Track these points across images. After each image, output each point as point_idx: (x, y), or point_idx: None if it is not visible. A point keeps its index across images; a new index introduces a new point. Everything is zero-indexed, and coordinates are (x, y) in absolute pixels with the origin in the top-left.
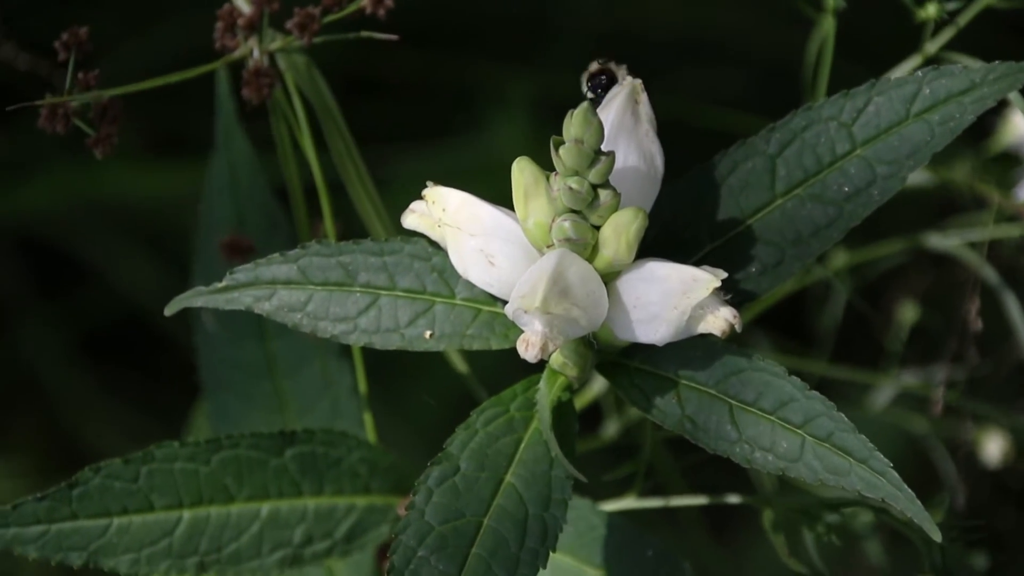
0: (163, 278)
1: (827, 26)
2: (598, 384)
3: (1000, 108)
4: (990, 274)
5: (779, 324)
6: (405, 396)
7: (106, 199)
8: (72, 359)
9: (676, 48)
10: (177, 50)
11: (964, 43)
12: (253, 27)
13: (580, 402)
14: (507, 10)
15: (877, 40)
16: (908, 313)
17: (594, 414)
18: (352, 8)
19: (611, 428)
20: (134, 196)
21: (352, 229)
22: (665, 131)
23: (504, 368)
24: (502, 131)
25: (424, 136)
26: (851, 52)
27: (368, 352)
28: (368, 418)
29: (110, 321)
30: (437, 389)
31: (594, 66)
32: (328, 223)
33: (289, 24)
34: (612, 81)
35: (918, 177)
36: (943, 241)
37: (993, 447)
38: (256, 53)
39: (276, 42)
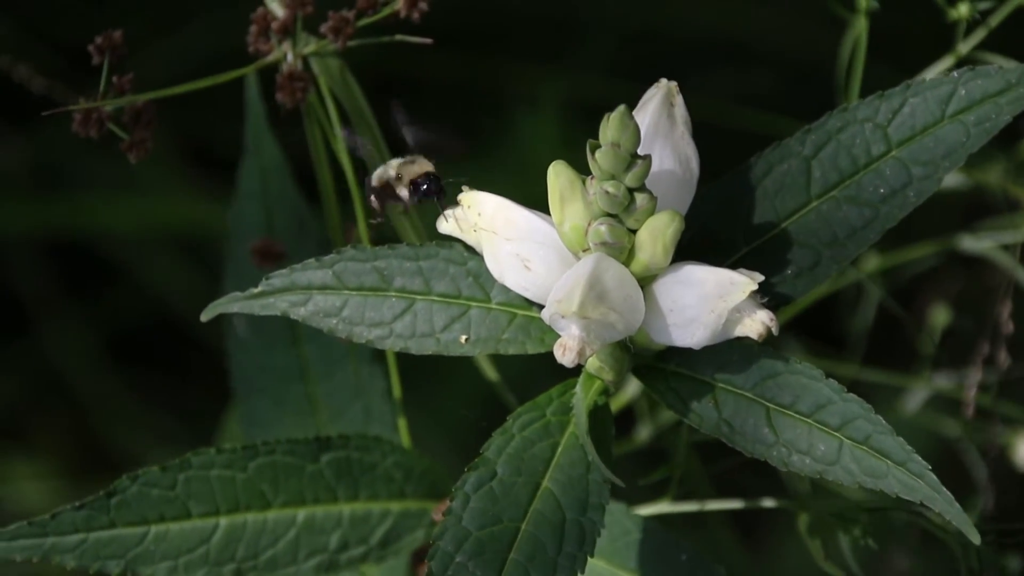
0: (191, 281)
1: (860, 27)
2: (631, 387)
3: None
4: (1023, 277)
5: (811, 327)
6: (433, 399)
7: (137, 203)
8: (100, 361)
9: (705, 48)
10: (204, 53)
11: (996, 43)
12: (287, 31)
13: (614, 406)
14: (535, 11)
15: (909, 40)
16: (940, 316)
17: (627, 418)
18: (387, 12)
19: (644, 432)
20: (164, 200)
21: (383, 234)
22: (695, 132)
23: (533, 372)
24: (532, 132)
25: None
26: (882, 52)
27: (405, 360)
28: (402, 423)
29: (138, 323)
30: (465, 392)
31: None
32: (362, 227)
33: (323, 28)
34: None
35: (951, 179)
36: (976, 244)
37: None
38: (290, 57)
39: (310, 46)
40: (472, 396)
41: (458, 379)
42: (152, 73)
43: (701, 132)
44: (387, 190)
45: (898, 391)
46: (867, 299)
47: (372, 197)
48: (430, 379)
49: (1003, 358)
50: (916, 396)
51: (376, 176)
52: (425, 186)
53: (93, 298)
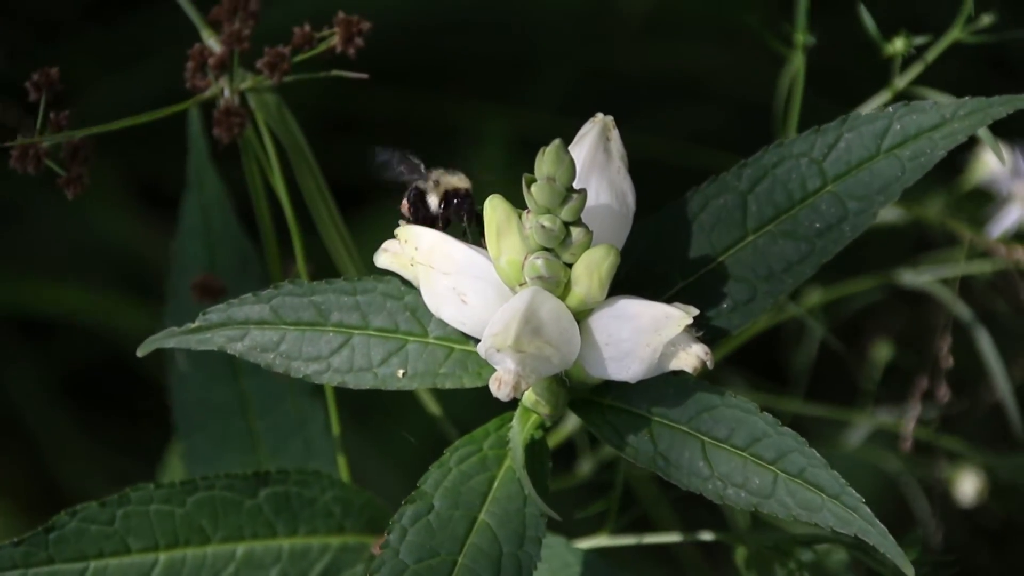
0: (144, 320)
1: (798, 62)
2: (572, 422)
3: (971, 145)
4: (963, 311)
5: (753, 362)
6: (385, 436)
7: (87, 241)
8: (52, 400)
9: (656, 86)
10: (153, 92)
11: (933, 78)
12: (224, 66)
13: (554, 440)
14: (488, 49)
15: (851, 77)
16: (882, 351)
17: (568, 452)
18: (322, 48)
19: (585, 466)
20: (115, 239)
21: (324, 269)
22: (644, 169)
23: (483, 406)
24: (480, 169)
25: None
26: (825, 89)
27: (348, 392)
28: (341, 458)
29: (90, 362)
30: (418, 428)
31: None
32: (300, 263)
33: (259, 63)
34: (470, 205)
35: (891, 214)
36: (916, 278)
37: (967, 486)
38: (227, 92)
39: (247, 81)
40: (425, 432)
41: (411, 415)
42: (101, 111)
43: (649, 169)
44: (420, 199)
45: (840, 426)
46: (809, 334)
47: (405, 202)
48: (382, 415)
49: (943, 393)
50: (859, 431)
51: (415, 181)
52: (456, 200)
53: (46, 338)
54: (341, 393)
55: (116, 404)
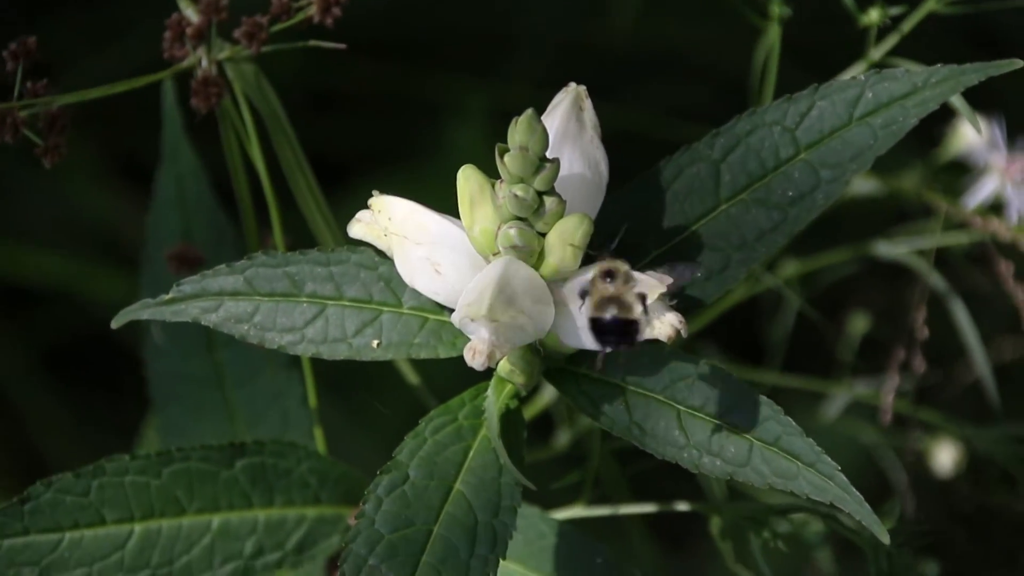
0: (125, 295)
1: (773, 34)
2: (549, 393)
3: (948, 117)
4: (939, 283)
5: (730, 336)
6: (365, 410)
7: (66, 217)
8: (36, 377)
9: (639, 62)
10: (137, 67)
11: (909, 51)
12: (201, 36)
13: (531, 412)
14: (469, 23)
15: (829, 50)
16: (859, 323)
17: (546, 424)
18: (299, 17)
19: (563, 438)
20: (94, 214)
21: (303, 241)
22: (625, 142)
23: (462, 379)
24: (461, 142)
25: (384, 150)
26: (802, 62)
27: (329, 365)
28: (318, 429)
29: (72, 338)
30: (398, 403)
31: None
32: (277, 234)
33: (237, 33)
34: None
35: (867, 186)
36: (891, 249)
37: (945, 457)
38: (204, 63)
39: (225, 51)
40: (407, 404)
41: (393, 387)
42: (82, 86)
43: (630, 142)
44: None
45: (818, 398)
46: (786, 307)
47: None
48: (363, 388)
49: (919, 364)
50: (836, 403)
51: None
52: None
53: (26, 314)
54: (320, 367)
55: (99, 379)
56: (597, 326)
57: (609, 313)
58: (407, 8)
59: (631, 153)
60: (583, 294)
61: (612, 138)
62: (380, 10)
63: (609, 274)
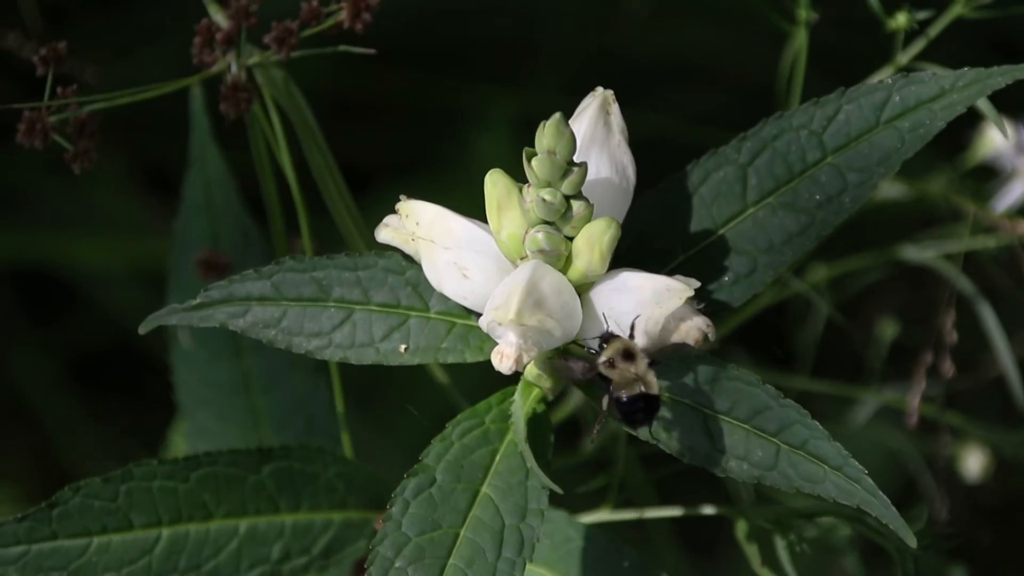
0: (153, 304)
1: (800, 39)
2: (576, 398)
3: (976, 121)
4: (966, 286)
5: (759, 340)
6: (392, 418)
7: (95, 224)
8: (62, 386)
9: (661, 69)
10: (166, 74)
11: (935, 56)
12: (231, 42)
13: (558, 416)
14: (494, 33)
15: (855, 57)
16: (888, 328)
17: (573, 429)
18: (330, 23)
19: (589, 443)
20: (123, 221)
21: (330, 247)
22: (649, 148)
23: (491, 382)
24: (487, 150)
25: (409, 158)
26: (828, 68)
27: (357, 372)
28: (345, 434)
29: (100, 348)
30: (426, 407)
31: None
32: (305, 239)
33: (267, 38)
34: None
35: (895, 191)
36: (919, 254)
37: (973, 461)
38: (234, 68)
39: (254, 57)
40: (434, 411)
41: (420, 394)
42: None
43: (654, 148)
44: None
45: (847, 403)
46: (815, 312)
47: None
48: (391, 394)
49: (948, 368)
50: (865, 408)
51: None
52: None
53: (53, 323)
54: (347, 373)
55: (125, 388)
56: (626, 408)
57: (636, 392)
58: (432, 17)
59: (657, 159)
60: (588, 373)
61: (638, 144)
62: (404, 19)
63: (628, 355)
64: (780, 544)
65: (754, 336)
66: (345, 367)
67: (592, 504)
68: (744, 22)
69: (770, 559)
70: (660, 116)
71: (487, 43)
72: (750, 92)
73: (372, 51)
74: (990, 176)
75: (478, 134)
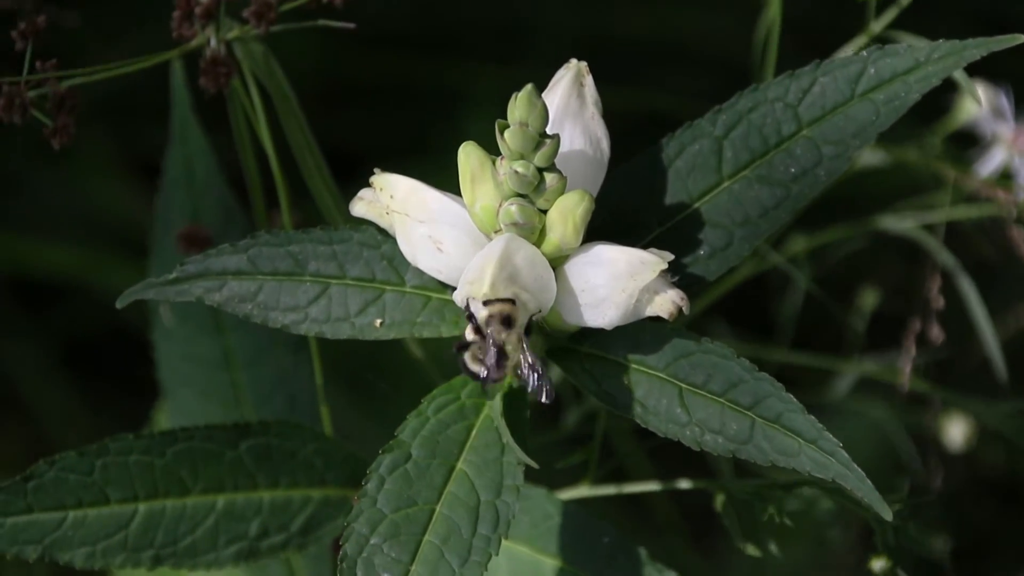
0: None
1: (774, 9)
2: (554, 374)
3: (956, 86)
4: (947, 257)
5: (740, 313)
6: (374, 395)
7: (83, 212)
8: (54, 373)
9: (653, 50)
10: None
11: (911, 23)
12: (210, 16)
13: None
14: (484, 15)
15: (831, 32)
16: (868, 299)
17: (553, 405)
18: None
19: (571, 419)
20: (110, 207)
21: (313, 222)
22: (642, 128)
23: None
24: (476, 135)
25: (400, 141)
26: (805, 44)
27: (338, 350)
28: (324, 410)
29: (91, 335)
30: (405, 384)
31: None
32: (285, 213)
33: (246, 12)
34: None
35: (875, 158)
36: (900, 224)
37: (956, 431)
38: (213, 42)
39: (233, 31)
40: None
41: (397, 373)
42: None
43: (647, 127)
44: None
45: (829, 375)
46: (795, 283)
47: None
48: (367, 371)
49: (935, 334)
50: (846, 380)
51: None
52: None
53: (45, 310)
54: (329, 353)
55: (116, 373)
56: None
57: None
58: (420, 1)
59: (647, 137)
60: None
61: (629, 122)
62: (396, 1)
63: (506, 321)
64: (761, 518)
65: (734, 309)
66: (333, 346)
67: (575, 480)
68: (735, 5)
69: (755, 534)
70: (651, 95)
71: (479, 24)
72: (740, 76)
73: (351, 26)
74: (971, 142)
75: (470, 117)
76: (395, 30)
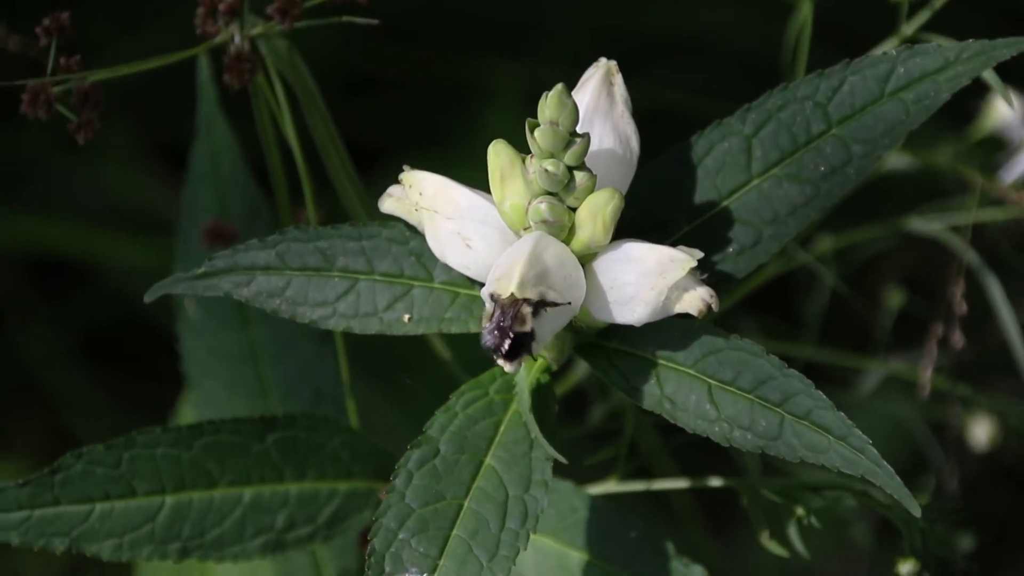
0: (162, 277)
1: (805, 10)
2: (581, 369)
3: (983, 92)
4: (973, 258)
5: (766, 309)
6: (401, 388)
7: (104, 201)
8: (73, 361)
9: (671, 44)
10: (171, 50)
11: (941, 27)
12: (234, 12)
13: (564, 387)
14: (501, 10)
15: (860, 31)
16: (894, 298)
17: (580, 400)
18: None
19: (597, 414)
20: (133, 196)
21: (336, 217)
22: (659, 123)
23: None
24: (494, 128)
25: (418, 133)
26: (833, 43)
27: (364, 344)
28: (350, 403)
29: (110, 323)
30: (432, 379)
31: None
32: (310, 209)
33: (270, 9)
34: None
35: (902, 162)
36: (925, 225)
37: (980, 431)
38: (237, 38)
39: (257, 27)
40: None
41: (425, 367)
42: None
43: (664, 123)
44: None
45: (855, 373)
46: (822, 281)
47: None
48: (402, 367)
49: (957, 338)
50: (872, 378)
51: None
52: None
53: (63, 299)
54: (355, 347)
55: (136, 363)
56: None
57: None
58: None
59: (664, 133)
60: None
61: (646, 118)
62: None
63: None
64: (787, 517)
65: (761, 306)
66: (358, 340)
67: (601, 475)
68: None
69: (780, 531)
70: (669, 90)
71: (496, 18)
72: (760, 68)
73: (375, 21)
74: (998, 147)
75: (488, 109)
76: (411, 23)
